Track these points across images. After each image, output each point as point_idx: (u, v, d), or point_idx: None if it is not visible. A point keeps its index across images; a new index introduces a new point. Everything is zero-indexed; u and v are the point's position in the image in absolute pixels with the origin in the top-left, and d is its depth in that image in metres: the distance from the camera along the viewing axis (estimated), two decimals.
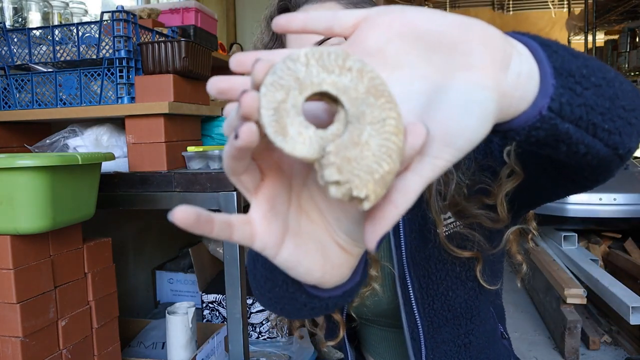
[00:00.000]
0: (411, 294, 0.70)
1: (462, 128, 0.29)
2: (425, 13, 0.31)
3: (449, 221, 0.70)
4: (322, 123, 0.29)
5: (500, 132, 0.36)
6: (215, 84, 0.31)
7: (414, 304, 0.70)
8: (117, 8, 1.27)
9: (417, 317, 0.70)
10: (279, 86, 0.26)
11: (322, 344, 0.81)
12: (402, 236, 0.71)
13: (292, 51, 0.28)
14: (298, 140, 0.26)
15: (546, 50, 0.35)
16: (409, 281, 0.70)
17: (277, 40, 0.73)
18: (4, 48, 1.35)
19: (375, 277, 0.73)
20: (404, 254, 0.70)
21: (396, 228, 0.71)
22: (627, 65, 4.09)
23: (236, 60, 0.32)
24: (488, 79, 0.29)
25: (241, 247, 1.23)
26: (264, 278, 0.51)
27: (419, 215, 0.71)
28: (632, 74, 4.16)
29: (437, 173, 0.29)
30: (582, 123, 0.36)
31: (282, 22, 0.33)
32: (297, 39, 0.68)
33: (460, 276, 0.71)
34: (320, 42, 0.66)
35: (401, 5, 0.32)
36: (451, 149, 0.29)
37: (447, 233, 0.70)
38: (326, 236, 0.34)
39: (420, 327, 0.70)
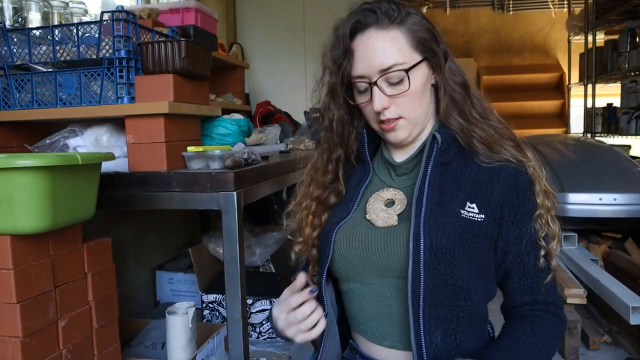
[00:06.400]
0: (422, 247, 0.78)
1: None
2: None
3: (474, 210, 0.80)
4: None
5: None
6: None
7: (421, 256, 0.77)
8: (117, 8, 1.27)
9: (421, 269, 0.77)
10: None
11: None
12: (424, 203, 0.80)
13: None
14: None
15: None
16: (422, 238, 0.78)
17: (347, 58, 0.84)
18: (4, 48, 1.35)
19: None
20: (422, 217, 0.79)
21: (419, 197, 0.81)
22: (627, 65, 4.08)
23: None
24: None
25: (241, 247, 1.23)
26: None
27: (447, 192, 0.82)
28: (632, 73, 4.16)
29: None
30: None
31: None
32: (364, 60, 0.82)
33: (467, 252, 0.79)
34: (385, 70, 0.81)
35: None
36: None
37: (465, 217, 0.80)
38: None
39: (422, 280, 0.77)
